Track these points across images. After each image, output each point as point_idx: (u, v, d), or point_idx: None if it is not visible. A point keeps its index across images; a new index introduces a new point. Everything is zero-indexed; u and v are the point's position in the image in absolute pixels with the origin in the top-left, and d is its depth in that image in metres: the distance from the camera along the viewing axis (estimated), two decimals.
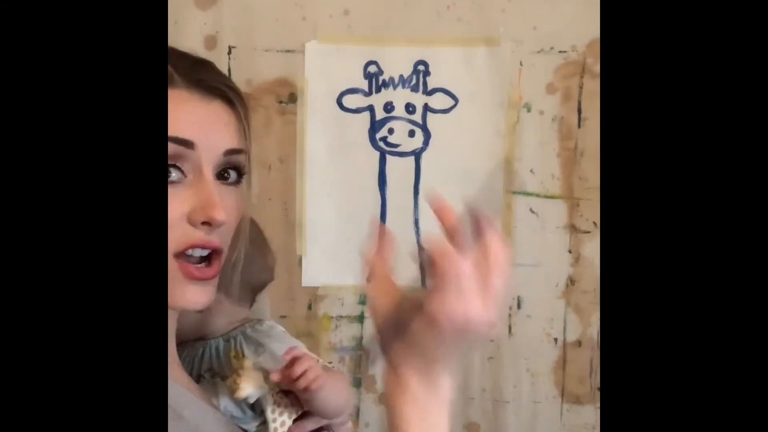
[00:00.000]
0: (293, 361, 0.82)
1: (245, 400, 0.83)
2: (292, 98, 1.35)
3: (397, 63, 1.36)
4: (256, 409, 0.86)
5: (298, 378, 0.82)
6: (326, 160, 1.38)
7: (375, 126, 1.37)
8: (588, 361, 1.40)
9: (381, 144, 1.38)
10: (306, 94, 1.35)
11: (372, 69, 1.36)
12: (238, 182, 0.67)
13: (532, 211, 1.39)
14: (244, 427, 0.83)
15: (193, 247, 0.63)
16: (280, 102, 1.35)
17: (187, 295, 0.63)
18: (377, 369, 0.57)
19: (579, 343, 1.40)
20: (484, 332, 0.57)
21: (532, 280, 1.39)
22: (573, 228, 1.38)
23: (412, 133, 1.37)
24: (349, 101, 1.36)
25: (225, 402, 0.82)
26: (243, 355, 0.86)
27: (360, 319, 1.38)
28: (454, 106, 1.37)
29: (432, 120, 1.37)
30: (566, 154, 1.37)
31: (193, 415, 0.66)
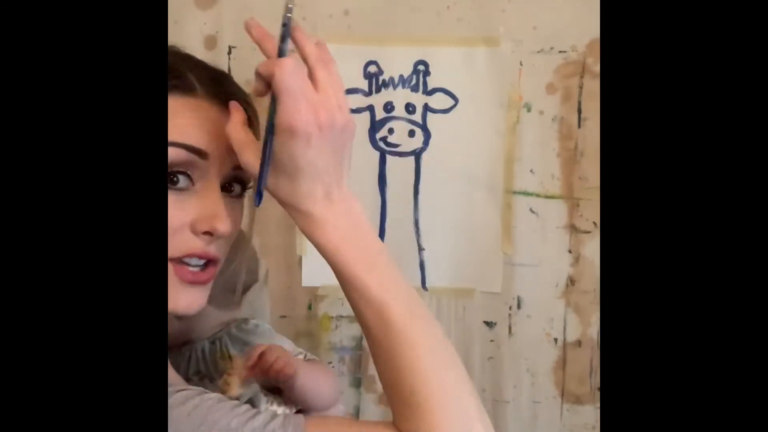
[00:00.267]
0: (261, 355, 0.82)
1: (237, 399, 0.83)
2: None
3: (397, 63, 1.36)
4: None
5: (269, 369, 0.82)
6: None
7: (375, 126, 1.37)
8: (588, 361, 1.40)
9: (381, 144, 1.38)
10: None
11: (372, 69, 1.36)
12: (241, 195, 0.67)
13: (532, 211, 1.39)
14: None
15: (191, 255, 0.63)
16: None
17: (180, 299, 0.63)
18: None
19: (579, 343, 1.40)
20: (334, 125, 0.60)
21: (532, 280, 1.39)
22: (573, 228, 1.38)
23: (412, 133, 1.37)
24: (349, 101, 1.36)
25: None
26: (229, 356, 0.87)
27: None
28: (454, 106, 1.37)
29: (432, 120, 1.37)
30: (566, 154, 1.37)
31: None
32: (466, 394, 0.61)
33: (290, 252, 1.38)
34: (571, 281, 1.39)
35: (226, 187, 0.66)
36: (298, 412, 0.90)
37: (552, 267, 1.39)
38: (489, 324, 1.42)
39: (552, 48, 1.35)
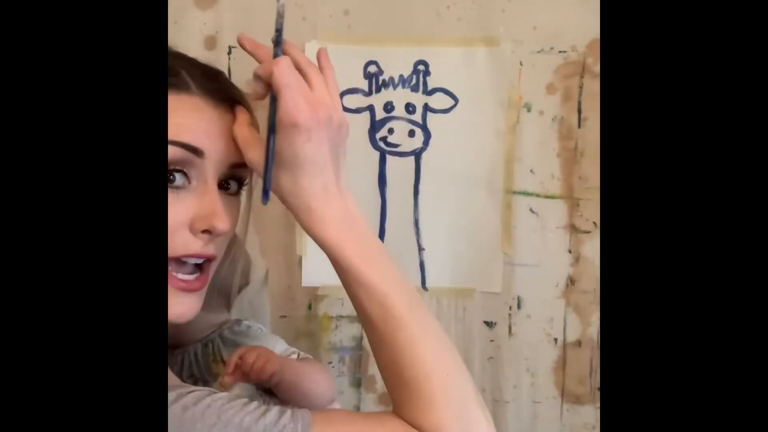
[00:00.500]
0: (241, 357, 0.83)
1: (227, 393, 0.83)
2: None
3: (397, 63, 1.36)
4: None
5: (250, 369, 0.82)
6: None
7: (375, 126, 1.37)
8: (588, 361, 1.40)
9: (381, 144, 1.38)
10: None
11: (372, 69, 1.36)
12: (237, 193, 0.67)
13: (532, 211, 1.39)
14: None
15: (190, 255, 0.63)
16: None
17: (174, 306, 0.63)
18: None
19: (579, 343, 1.40)
20: (331, 122, 0.62)
21: (532, 280, 1.39)
22: (573, 228, 1.38)
23: (412, 133, 1.37)
24: (349, 101, 1.36)
25: None
26: (222, 359, 0.86)
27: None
28: (454, 106, 1.37)
29: (432, 120, 1.37)
30: (566, 154, 1.37)
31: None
32: (465, 379, 0.63)
33: (290, 252, 1.38)
34: (571, 281, 1.39)
35: (223, 185, 0.66)
36: None
37: (552, 267, 1.39)
38: (489, 324, 1.42)
39: (552, 48, 1.35)
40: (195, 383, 0.87)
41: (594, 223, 1.37)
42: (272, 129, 0.61)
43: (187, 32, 1.32)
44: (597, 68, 1.33)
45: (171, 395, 0.58)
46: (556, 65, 1.35)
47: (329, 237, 0.63)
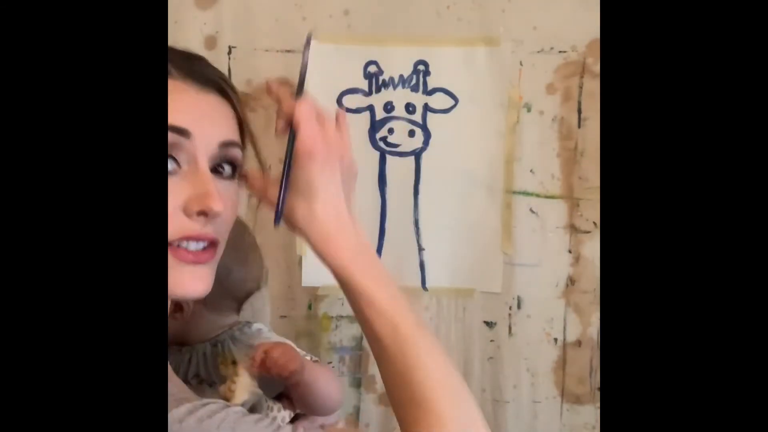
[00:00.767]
0: (266, 352, 0.83)
1: (242, 405, 0.83)
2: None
3: (397, 63, 1.36)
4: None
5: (273, 365, 0.82)
6: None
7: (375, 126, 1.37)
8: (588, 361, 1.40)
9: (381, 144, 1.38)
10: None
11: (372, 69, 1.36)
12: (233, 177, 0.66)
13: (532, 211, 1.39)
14: None
15: (188, 238, 0.62)
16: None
17: (186, 281, 0.62)
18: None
19: (579, 343, 1.40)
20: (343, 158, 0.68)
21: (532, 280, 1.39)
22: (573, 228, 1.38)
23: (412, 133, 1.37)
24: (349, 101, 1.36)
25: None
26: (233, 361, 0.86)
27: None
28: (454, 106, 1.37)
29: (432, 120, 1.37)
30: (566, 154, 1.37)
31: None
32: (469, 395, 0.65)
33: (290, 252, 1.38)
34: (571, 281, 1.39)
35: (216, 170, 0.65)
36: (296, 416, 0.90)
37: (552, 267, 1.39)
38: (489, 324, 1.42)
39: (552, 48, 1.35)
40: (200, 384, 0.87)
41: (594, 223, 1.37)
42: (289, 160, 0.67)
43: (187, 32, 1.33)
44: (597, 68, 1.33)
45: (186, 407, 0.58)
46: (556, 65, 1.35)
47: (343, 262, 0.66)
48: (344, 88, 1.36)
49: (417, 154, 1.38)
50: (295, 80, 0.73)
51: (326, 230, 0.66)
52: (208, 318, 0.89)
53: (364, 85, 1.36)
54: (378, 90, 1.36)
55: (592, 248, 1.37)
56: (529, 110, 1.37)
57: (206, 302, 0.88)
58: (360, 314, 0.66)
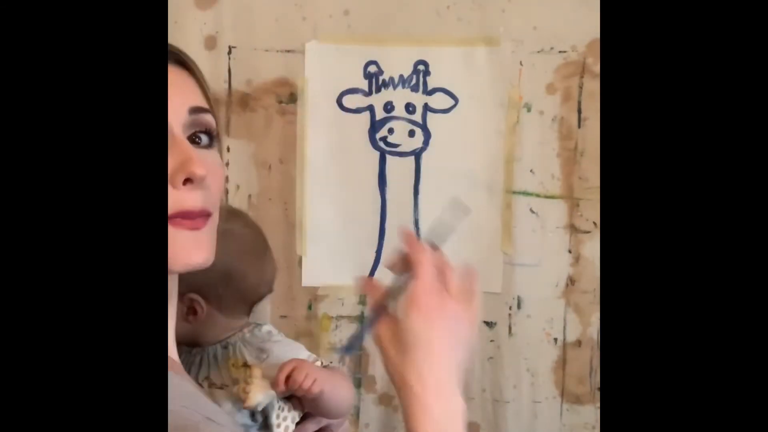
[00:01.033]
0: (293, 371, 0.83)
1: (254, 408, 0.83)
2: (292, 98, 1.35)
3: (397, 63, 1.36)
4: (257, 414, 0.86)
5: (297, 388, 0.83)
6: (326, 160, 1.38)
7: (375, 126, 1.37)
8: (588, 361, 1.40)
9: (381, 144, 1.38)
10: (306, 94, 1.35)
11: (372, 69, 1.36)
12: (211, 145, 0.65)
13: (532, 211, 1.39)
14: None
15: (182, 213, 0.60)
16: (280, 102, 1.35)
17: (187, 247, 0.60)
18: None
19: (579, 343, 1.40)
20: (458, 318, 0.65)
21: (532, 280, 1.39)
22: (573, 228, 1.38)
23: (412, 133, 1.37)
24: (349, 101, 1.36)
25: (227, 410, 0.83)
26: (244, 363, 0.86)
27: (360, 319, 1.38)
28: (454, 106, 1.37)
29: (432, 120, 1.37)
30: (566, 154, 1.37)
31: (225, 422, 0.64)
32: None
33: (290, 252, 1.38)
34: (571, 281, 1.39)
35: (193, 140, 0.64)
36: (304, 417, 0.90)
37: (552, 267, 1.39)
38: (489, 324, 1.42)
39: (552, 48, 1.35)
40: (210, 387, 0.87)
41: (594, 223, 1.37)
42: (393, 297, 0.65)
43: (187, 32, 1.32)
44: (597, 68, 1.33)
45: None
46: (556, 65, 1.35)
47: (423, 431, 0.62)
48: (344, 88, 1.36)
49: (417, 154, 1.38)
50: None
51: (418, 391, 0.62)
52: (221, 320, 0.89)
53: (364, 85, 1.36)
54: (378, 90, 1.36)
55: (592, 248, 1.37)
56: (529, 110, 1.37)
57: (220, 305, 0.88)
58: None
